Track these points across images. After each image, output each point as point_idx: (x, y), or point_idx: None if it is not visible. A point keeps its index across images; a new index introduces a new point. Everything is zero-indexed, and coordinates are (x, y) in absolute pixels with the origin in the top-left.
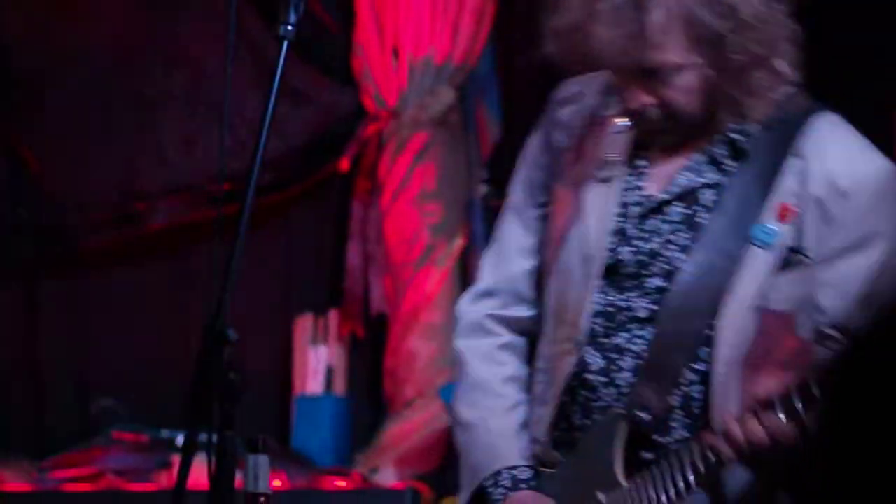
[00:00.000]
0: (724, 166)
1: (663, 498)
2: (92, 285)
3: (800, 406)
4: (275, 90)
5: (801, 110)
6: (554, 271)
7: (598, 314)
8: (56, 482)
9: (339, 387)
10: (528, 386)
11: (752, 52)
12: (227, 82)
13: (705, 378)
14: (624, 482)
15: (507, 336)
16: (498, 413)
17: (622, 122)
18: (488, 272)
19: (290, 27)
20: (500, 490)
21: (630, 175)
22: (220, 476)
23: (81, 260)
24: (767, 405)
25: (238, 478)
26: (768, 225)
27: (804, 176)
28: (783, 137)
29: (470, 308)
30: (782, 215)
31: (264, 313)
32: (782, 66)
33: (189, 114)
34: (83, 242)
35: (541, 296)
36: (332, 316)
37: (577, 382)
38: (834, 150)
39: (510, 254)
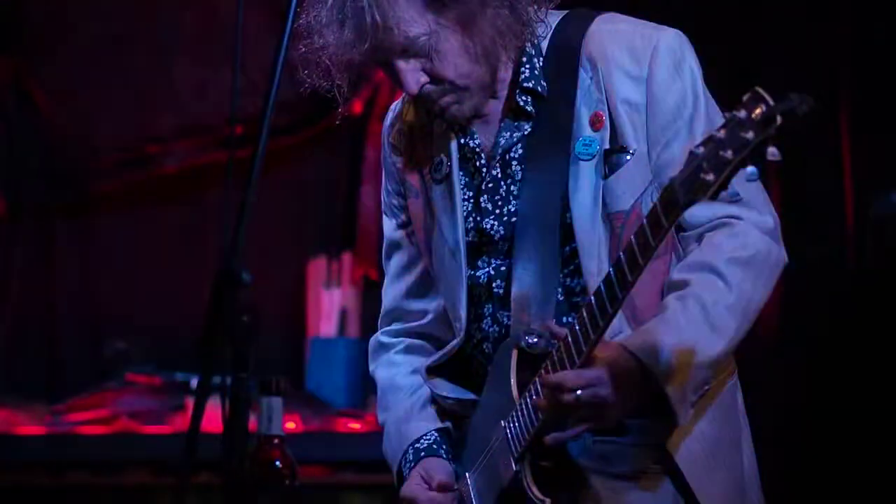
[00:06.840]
0: (531, 112)
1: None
2: (105, 228)
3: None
4: (287, 32)
5: (576, 25)
6: (436, 278)
7: (471, 293)
8: (70, 425)
9: (353, 329)
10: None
11: None
12: (239, 24)
13: (577, 291)
14: (517, 400)
15: (403, 342)
16: (402, 401)
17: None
18: (383, 298)
19: None
20: (408, 467)
21: (463, 159)
22: (234, 418)
23: (94, 202)
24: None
25: (252, 420)
26: (586, 136)
27: (598, 81)
28: (567, 57)
29: (373, 337)
30: (595, 125)
31: (278, 256)
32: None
33: (202, 56)
34: (96, 185)
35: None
36: (346, 259)
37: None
38: (615, 48)
39: (393, 279)
